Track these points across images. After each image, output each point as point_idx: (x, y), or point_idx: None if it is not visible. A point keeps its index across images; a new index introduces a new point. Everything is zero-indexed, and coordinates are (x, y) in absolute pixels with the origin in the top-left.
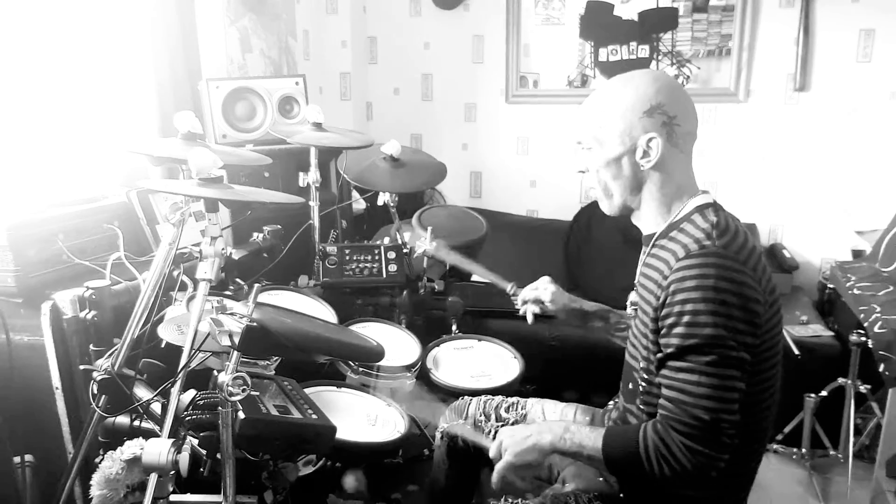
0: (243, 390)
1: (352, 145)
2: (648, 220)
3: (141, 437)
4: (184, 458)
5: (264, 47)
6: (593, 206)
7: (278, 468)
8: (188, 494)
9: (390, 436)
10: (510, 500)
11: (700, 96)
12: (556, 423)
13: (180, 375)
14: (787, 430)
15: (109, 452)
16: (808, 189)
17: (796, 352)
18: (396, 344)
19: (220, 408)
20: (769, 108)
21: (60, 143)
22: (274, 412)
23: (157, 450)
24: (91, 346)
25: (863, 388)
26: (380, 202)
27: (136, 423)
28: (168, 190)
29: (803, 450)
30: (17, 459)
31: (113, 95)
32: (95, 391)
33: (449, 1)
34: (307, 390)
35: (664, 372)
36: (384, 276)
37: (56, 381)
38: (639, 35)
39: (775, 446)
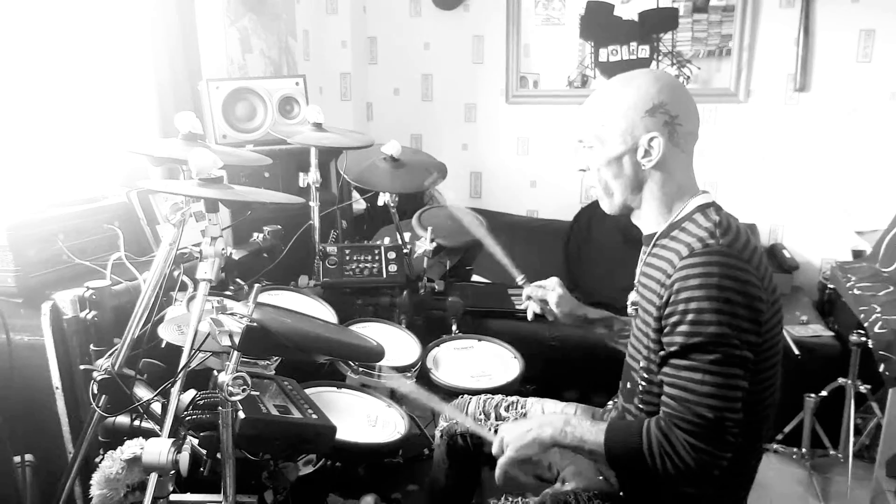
0: (243, 390)
1: (352, 145)
2: (649, 219)
3: (141, 437)
4: (184, 458)
5: (264, 47)
6: (593, 207)
7: (278, 468)
8: (188, 494)
9: (390, 436)
10: (510, 499)
11: (700, 96)
12: (556, 416)
13: (180, 375)
14: (787, 429)
15: (109, 452)
16: (808, 189)
17: (796, 352)
18: (396, 344)
19: (220, 408)
20: (769, 108)
21: (60, 143)
22: (274, 412)
23: (157, 449)
24: (91, 346)
25: (863, 388)
26: (380, 202)
27: (137, 422)
28: (168, 190)
29: (803, 450)
30: (17, 459)
31: (113, 95)
32: (95, 391)
33: (449, 1)
34: (307, 390)
35: (667, 370)
36: (384, 276)
37: (56, 380)
38: (639, 35)
39: (775, 446)
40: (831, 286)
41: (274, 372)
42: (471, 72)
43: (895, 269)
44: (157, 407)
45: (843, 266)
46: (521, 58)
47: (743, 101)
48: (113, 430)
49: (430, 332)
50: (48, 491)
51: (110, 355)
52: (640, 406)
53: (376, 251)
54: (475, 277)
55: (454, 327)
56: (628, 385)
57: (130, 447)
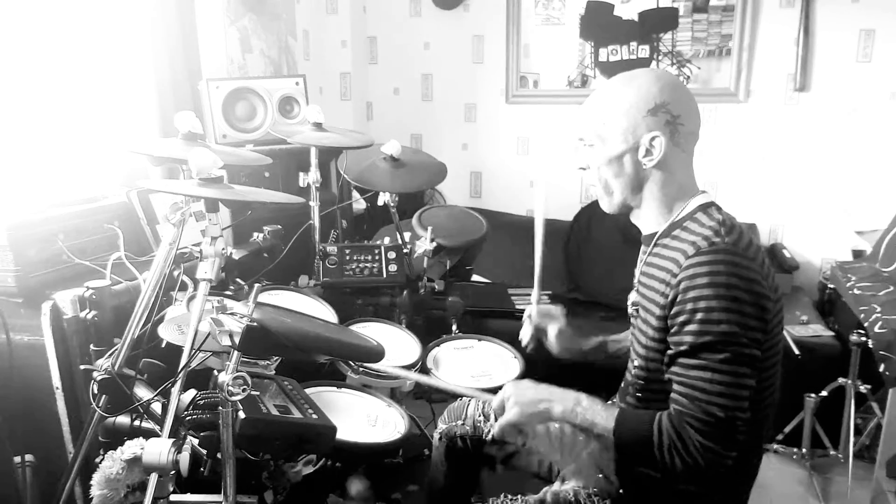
0: (244, 390)
1: (352, 145)
2: (649, 219)
3: (141, 437)
4: (184, 458)
5: (264, 47)
6: (593, 206)
7: (281, 468)
8: (188, 494)
9: (390, 436)
10: (510, 498)
11: (700, 96)
12: (566, 393)
13: (180, 375)
14: (787, 430)
15: (110, 452)
16: (808, 189)
17: (796, 352)
18: (396, 344)
19: (220, 407)
20: (769, 108)
21: (60, 143)
22: (274, 412)
23: (157, 449)
24: (91, 346)
25: (863, 388)
26: (380, 202)
27: (137, 422)
28: (168, 190)
29: (803, 450)
30: (17, 459)
31: (113, 95)
32: (96, 391)
33: (449, 1)
34: (307, 390)
35: (676, 369)
36: (384, 276)
37: (56, 381)
38: (639, 35)
39: (775, 446)
40: (831, 286)
41: (274, 372)
42: (471, 72)
43: (895, 269)
44: (157, 407)
45: (843, 266)
46: (521, 58)
47: (743, 101)
48: (113, 430)
49: (430, 332)
50: (48, 491)
51: (110, 355)
52: (634, 404)
53: (376, 251)
54: (475, 277)
55: (454, 327)
56: (622, 384)
57: (130, 447)
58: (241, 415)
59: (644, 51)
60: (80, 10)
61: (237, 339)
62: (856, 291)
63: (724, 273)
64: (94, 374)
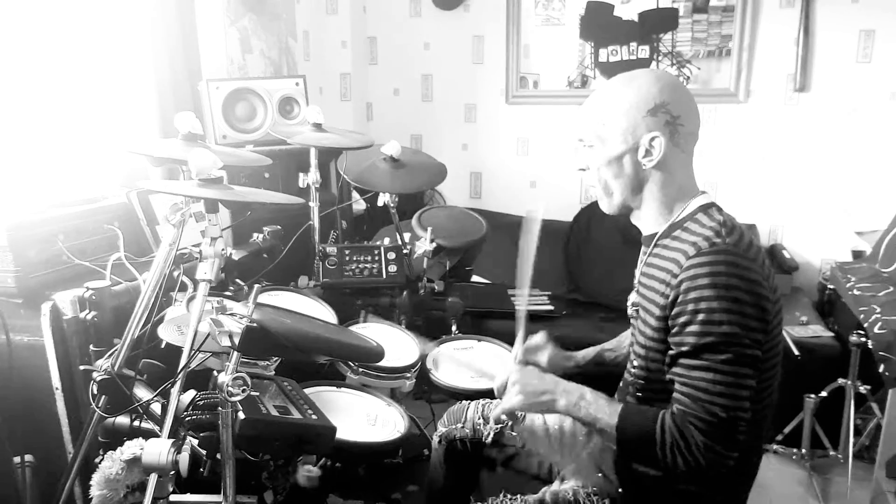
0: (243, 391)
1: (352, 146)
2: (649, 219)
3: (141, 438)
4: (184, 459)
5: (264, 48)
6: (593, 207)
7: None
8: (188, 494)
9: (390, 436)
10: (509, 497)
11: (700, 97)
12: (571, 387)
13: (180, 376)
14: (787, 430)
15: (109, 452)
16: (808, 189)
17: (796, 352)
18: (396, 344)
19: (220, 408)
20: (769, 108)
21: (60, 143)
22: (274, 412)
23: (157, 450)
24: (91, 347)
25: (863, 389)
26: (380, 203)
27: (136, 423)
28: (168, 190)
29: (803, 450)
30: (17, 459)
31: (113, 95)
32: (95, 391)
33: (449, 1)
34: (307, 390)
35: (677, 370)
36: (384, 276)
37: (56, 381)
38: (639, 35)
39: (775, 446)
40: (831, 287)
41: (274, 372)
42: (471, 72)
43: (895, 270)
44: (156, 407)
45: (843, 266)
46: (521, 58)
47: (743, 101)
48: (113, 430)
49: (429, 332)
50: (48, 491)
51: (110, 356)
52: (633, 403)
53: (376, 251)
54: (475, 278)
55: (454, 328)
56: (621, 384)
57: (130, 448)
58: (241, 415)
59: (644, 51)
60: (80, 10)
61: (237, 340)
62: (855, 292)
63: (725, 274)
64: (94, 374)
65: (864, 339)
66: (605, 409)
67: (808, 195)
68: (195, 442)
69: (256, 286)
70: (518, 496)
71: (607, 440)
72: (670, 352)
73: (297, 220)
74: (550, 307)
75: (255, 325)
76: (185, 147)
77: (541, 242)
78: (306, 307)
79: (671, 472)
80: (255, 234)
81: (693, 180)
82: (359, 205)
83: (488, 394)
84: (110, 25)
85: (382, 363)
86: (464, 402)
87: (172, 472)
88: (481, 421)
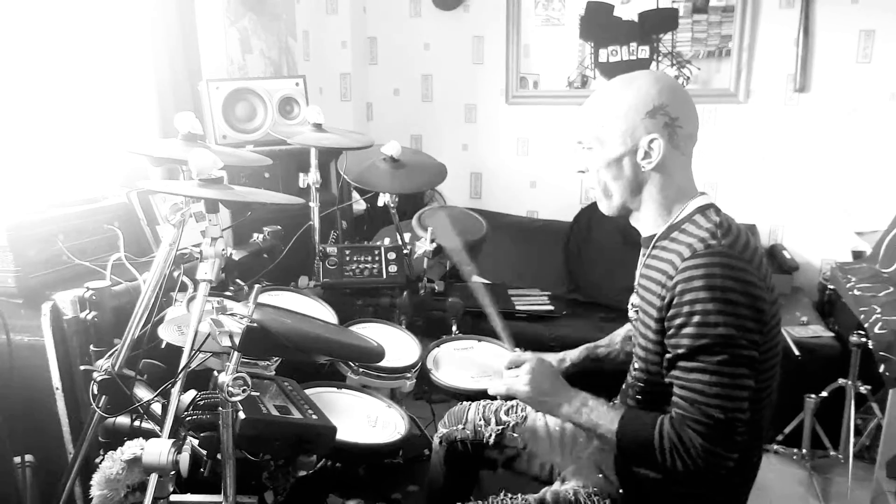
0: (244, 391)
1: (352, 146)
2: (648, 221)
3: (141, 438)
4: (184, 459)
5: (264, 48)
6: (593, 207)
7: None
8: (188, 494)
9: (390, 437)
10: (510, 496)
11: (700, 97)
12: (575, 393)
13: (180, 376)
14: (787, 430)
15: (110, 453)
16: (808, 190)
17: (796, 352)
18: (396, 345)
19: (220, 408)
20: (769, 108)
21: (60, 143)
22: (274, 413)
23: (157, 450)
24: (91, 347)
25: (863, 389)
26: (380, 203)
27: (137, 423)
28: (168, 191)
29: (804, 450)
30: (17, 459)
31: (113, 95)
32: (95, 391)
33: (449, 1)
34: (307, 391)
35: (675, 373)
36: (384, 276)
37: (56, 381)
38: (639, 36)
39: (776, 447)
40: (831, 287)
41: (274, 372)
42: (471, 72)
43: (895, 270)
44: (157, 407)
45: (843, 267)
46: (521, 58)
47: (743, 101)
48: (113, 430)
49: (430, 332)
50: (48, 491)
51: (110, 356)
52: (634, 406)
53: (376, 252)
54: (475, 278)
55: (454, 328)
56: (623, 386)
57: (130, 448)
58: (241, 415)
59: (644, 51)
60: (81, 10)
61: (237, 340)
62: (856, 292)
63: (719, 276)
64: (94, 374)
65: (864, 340)
66: (605, 415)
67: (808, 195)
68: (195, 442)
69: (257, 286)
70: (518, 495)
71: (608, 446)
72: (667, 355)
73: (298, 220)
74: (550, 307)
75: (255, 325)
76: (185, 147)
77: (541, 243)
78: (306, 307)
79: (672, 476)
80: (256, 235)
81: (692, 182)
82: (359, 205)
83: (488, 394)
84: (110, 25)
85: (383, 363)
86: (465, 403)
87: (173, 472)
88: (482, 422)
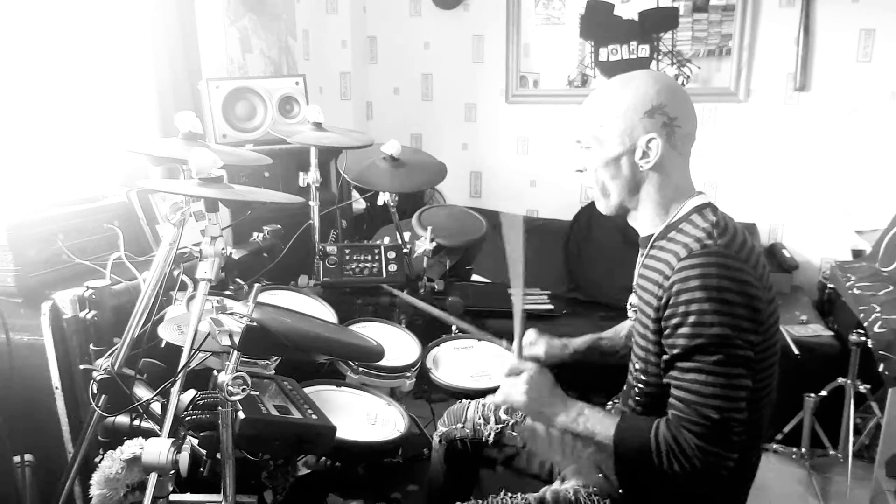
0: (243, 390)
1: (352, 145)
2: (646, 221)
3: (141, 437)
4: (184, 458)
5: (264, 47)
6: (593, 206)
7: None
8: (188, 494)
9: (390, 435)
10: (509, 496)
11: (700, 96)
12: (572, 403)
13: (180, 375)
14: (786, 429)
15: (109, 452)
16: (808, 189)
17: (796, 351)
18: (396, 344)
19: (219, 407)
20: (769, 107)
21: (60, 143)
22: (274, 412)
23: (156, 449)
24: (91, 346)
25: (862, 388)
26: (380, 202)
27: (136, 422)
28: (168, 190)
29: (803, 449)
30: (17, 459)
31: (113, 95)
32: (95, 391)
33: (449, 1)
34: (307, 389)
35: (672, 373)
36: (384, 275)
37: (56, 380)
38: (639, 35)
39: (775, 446)
40: (831, 286)
41: (274, 372)
42: (471, 71)
43: (895, 269)
44: (156, 407)
45: (843, 266)
46: (521, 57)
47: (743, 100)
48: (113, 429)
49: (430, 332)
50: (48, 491)
51: (110, 355)
52: (635, 408)
53: (376, 251)
54: (475, 277)
55: (454, 327)
56: (625, 387)
57: (130, 447)
58: (241, 415)
59: (644, 50)
60: (81, 9)
61: (237, 339)
62: (855, 291)
63: (715, 276)
64: (94, 373)
65: (863, 339)
66: (602, 423)
67: (808, 194)
68: (195, 441)
69: (256, 285)
70: (518, 494)
71: (606, 453)
72: (664, 356)
73: (297, 219)
74: (550, 306)
75: (255, 324)
76: (185, 146)
77: (541, 242)
78: (306, 306)
79: (672, 480)
80: (255, 234)
81: (689, 181)
82: (359, 204)
83: (488, 393)
84: (110, 25)
85: (382, 362)
86: (464, 401)
87: (172, 472)
88: (482, 421)
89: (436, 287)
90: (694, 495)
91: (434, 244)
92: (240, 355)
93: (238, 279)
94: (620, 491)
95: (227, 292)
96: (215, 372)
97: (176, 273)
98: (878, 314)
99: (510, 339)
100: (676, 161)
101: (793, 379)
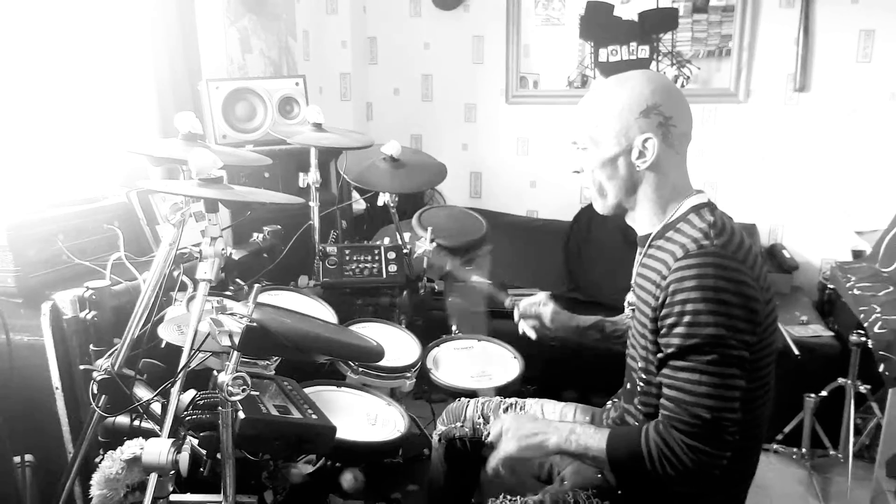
0: (243, 390)
1: (352, 146)
2: (643, 220)
3: (141, 437)
4: (184, 458)
5: (264, 48)
6: (593, 207)
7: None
8: (188, 494)
9: (390, 435)
10: (509, 498)
11: (700, 96)
12: (562, 424)
13: (180, 375)
14: (787, 430)
15: (109, 452)
16: (808, 189)
17: (796, 352)
18: (396, 344)
19: (220, 408)
20: (769, 108)
21: (60, 143)
22: (274, 412)
23: (157, 449)
24: (91, 347)
25: (863, 389)
26: (380, 202)
27: (136, 422)
28: (168, 190)
29: (803, 450)
30: (17, 459)
31: (113, 95)
32: (95, 391)
33: (449, 1)
34: (307, 390)
35: (665, 371)
36: (384, 276)
37: (56, 381)
38: (639, 35)
39: (775, 446)
40: (831, 286)
41: (274, 372)
42: (471, 72)
43: (895, 269)
44: (156, 407)
45: (843, 266)
46: (521, 58)
47: (743, 101)
48: (113, 430)
49: (430, 332)
50: (48, 491)
51: (110, 355)
52: (640, 407)
53: (376, 251)
54: (475, 278)
55: (454, 327)
56: (628, 385)
57: (130, 447)
58: (241, 415)
59: (644, 51)
60: (81, 9)
61: (237, 340)
62: (855, 292)
63: (711, 276)
64: (94, 374)
65: (864, 339)
66: (594, 437)
67: (808, 195)
68: (195, 441)
69: (256, 286)
70: (518, 497)
71: (602, 467)
72: (659, 355)
73: (297, 219)
74: None
75: (255, 324)
76: (185, 147)
77: (541, 242)
78: (306, 307)
79: (667, 483)
80: (255, 234)
81: (687, 180)
82: (359, 204)
83: (488, 393)
84: (110, 25)
85: (382, 363)
86: (462, 400)
87: (172, 472)
88: (481, 420)
89: (436, 287)
90: (693, 495)
91: (434, 244)
92: (240, 355)
93: (238, 280)
94: (619, 492)
95: (227, 293)
96: (215, 372)
97: (176, 273)
98: (879, 315)
99: (510, 340)
100: (673, 161)
101: (793, 379)
